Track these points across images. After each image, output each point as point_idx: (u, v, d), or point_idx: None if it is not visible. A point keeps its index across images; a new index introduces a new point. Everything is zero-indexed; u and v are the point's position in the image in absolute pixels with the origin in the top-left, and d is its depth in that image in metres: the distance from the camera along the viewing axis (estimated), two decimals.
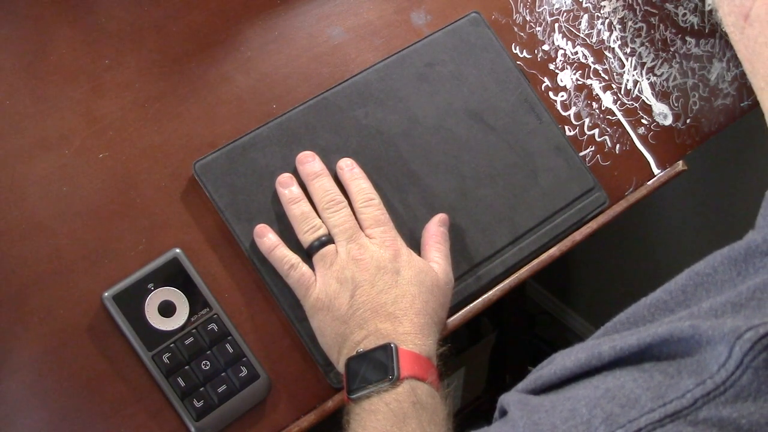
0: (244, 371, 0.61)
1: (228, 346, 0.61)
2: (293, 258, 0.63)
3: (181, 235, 0.64)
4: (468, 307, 0.68)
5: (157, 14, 0.69)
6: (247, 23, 0.72)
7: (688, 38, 0.85)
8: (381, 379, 0.56)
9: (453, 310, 0.67)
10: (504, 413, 0.43)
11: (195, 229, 0.64)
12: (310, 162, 0.65)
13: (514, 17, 0.79)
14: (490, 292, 0.69)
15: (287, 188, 0.64)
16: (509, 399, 0.43)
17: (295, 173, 0.66)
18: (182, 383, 0.59)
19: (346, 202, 0.64)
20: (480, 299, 0.69)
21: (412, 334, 0.59)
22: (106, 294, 0.59)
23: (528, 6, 0.80)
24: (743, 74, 0.87)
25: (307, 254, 0.63)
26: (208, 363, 0.60)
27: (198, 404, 0.59)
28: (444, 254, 0.65)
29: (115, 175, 0.64)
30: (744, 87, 0.86)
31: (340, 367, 0.60)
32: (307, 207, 0.64)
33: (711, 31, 0.85)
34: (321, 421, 0.63)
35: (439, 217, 0.67)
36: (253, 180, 0.65)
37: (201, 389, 0.59)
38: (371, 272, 0.61)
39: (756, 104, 0.87)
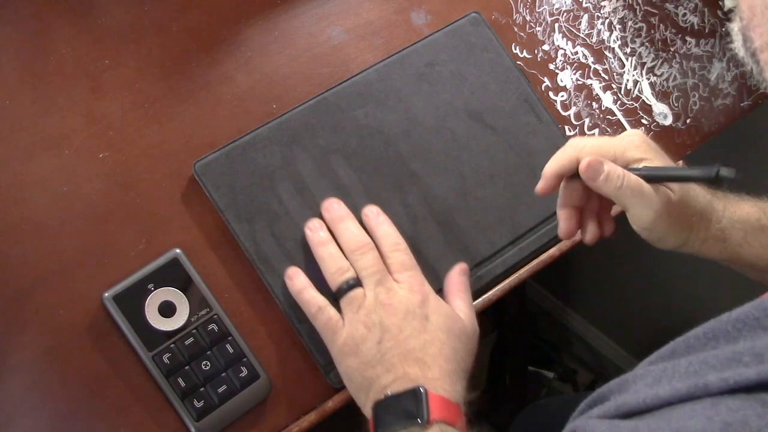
0: (245, 371, 0.61)
1: (228, 346, 0.61)
2: (321, 300, 0.62)
3: (181, 235, 0.64)
4: None
5: (157, 14, 0.69)
6: (247, 23, 0.72)
7: (688, 38, 0.85)
8: (410, 422, 0.54)
9: None
10: None
11: (195, 229, 0.64)
12: (335, 208, 0.65)
13: (514, 17, 0.79)
14: (490, 292, 0.69)
15: (316, 232, 0.64)
16: (589, 426, 0.39)
17: (300, 181, 0.66)
18: (182, 383, 0.59)
19: (374, 246, 0.63)
20: (480, 299, 0.69)
21: (441, 380, 0.58)
22: (107, 294, 0.59)
23: (528, 6, 0.79)
24: (743, 74, 0.87)
25: (335, 297, 0.62)
26: (209, 363, 0.60)
27: (198, 404, 0.59)
28: (467, 303, 0.65)
29: (115, 175, 0.64)
30: (744, 87, 0.86)
31: (367, 411, 0.59)
32: (335, 249, 0.63)
33: (711, 31, 0.85)
34: (321, 421, 0.63)
35: (459, 267, 0.67)
36: (253, 180, 0.65)
37: (201, 389, 0.59)
38: (399, 317, 0.60)
39: (756, 104, 0.87)
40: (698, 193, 0.62)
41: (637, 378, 0.40)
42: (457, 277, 0.66)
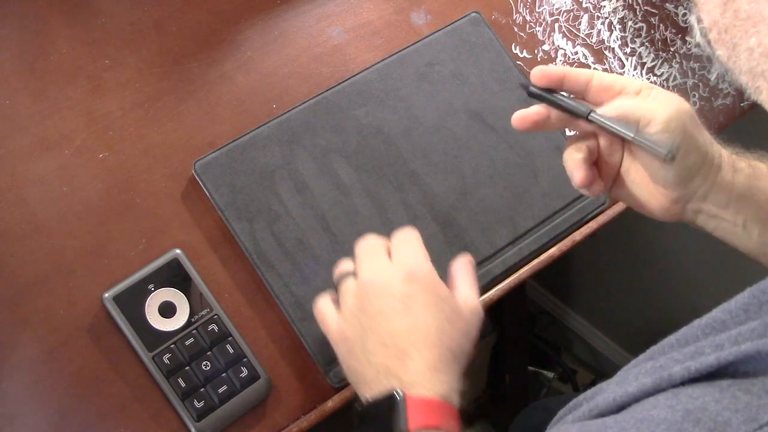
0: (245, 372, 0.61)
1: (228, 346, 0.61)
2: (320, 298, 0.61)
3: (181, 235, 0.64)
4: None
5: (157, 14, 0.69)
6: (247, 23, 0.72)
7: (688, 38, 0.85)
8: None
9: None
10: None
11: (195, 229, 0.64)
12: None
13: (514, 17, 0.79)
14: (490, 292, 0.69)
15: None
16: (562, 430, 0.39)
17: (300, 181, 0.66)
18: (183, 384, 0.59)
19: (384, 244, 0.60)
20: (480, 299, 0.69)
21: (423, 373, 0.53)
22: (107, 295, 0.59)
23: (528, 6, 0.79)
24: None
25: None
26: (209, 363, 0.60)
27: (198, 405, 0.59)
28: (467, 283, 0.61)
29: (115, 175, 0.64)
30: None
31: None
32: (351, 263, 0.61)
33: None
34: (321, 421, 0.63)
35: (465, 256, 0.63)
36: (253, 179, 0.65)
37: (201, 390, 0.59)
38: (380, 297, 0.56)
39: (756, 104, 0.87)
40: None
41: (611, 381, 0.41)
42: (460, 262, 0.63)
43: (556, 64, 0.79)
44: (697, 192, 0.57)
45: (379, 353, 0.55)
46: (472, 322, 0.59)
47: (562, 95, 0.57)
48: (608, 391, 0.39)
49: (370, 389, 0.54)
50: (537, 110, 0.58)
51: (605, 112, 0.55)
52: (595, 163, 0.59)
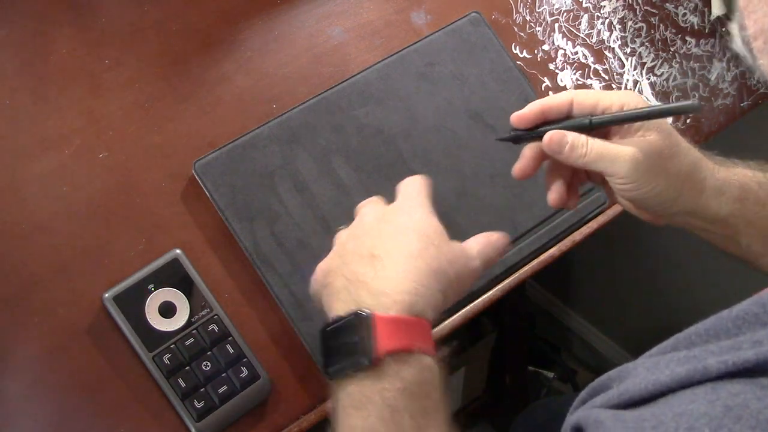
0: (245, 372, 0.61)
1: (228, 346, 0.61)
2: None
3: (181, 235, 0.64)
4: (468, 307, 0.68)
5: (157, 14, 0.69)
6: (247, 23, 0.72)
7: (688, 38, 0.85)
8: (354, 362, 0.46)
9: (453, 310, 0.67)
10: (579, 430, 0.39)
11: (195, 229, 0.64)
12: None
13: (514, 17, 0.79)
14: (490, 292, 0.69)
15: None
16: (593, 416, 0.38)
17: (300, 180, 0.66)
18: (183, 384, 0.59)
19: (384, 200, 0.58)
20: (480, 299, 0.69)
21: (393, 279, 0.49)
22: (107, 295, 0.59)
23: (528, 6, 0.79)
24: (743, 74, 0.87)
25: None
26: (209, 364, 0.60)
27: (199, 405, 0.59)
28: (481, 241, 0.56)
29: (115, 175, 0.64)
30: (744, 87, 0.86)
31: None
32: None
33: (711, 31, 0.85)
34: (321, 421, 0.63)
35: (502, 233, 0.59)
36: (253, 179, 0.65)
37: (201, 390, 0.59)
38: (372, 223, 0.54)
39: (756, 104, 0.87)
40: (684, 148, 0.58)
41: (638, 366, 0.40)
42: (491, 232, 0.58)
43: (556, 64, 0.79)
44: (677, 213, 0.58)
45: (353, 262, 0.51)
46: (463, 262, 0.53)
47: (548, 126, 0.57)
48: (639, 376, 0.39)
49: (337, 303, 0.50)
50: (528, 164, 0.58)
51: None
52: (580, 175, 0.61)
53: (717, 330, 0.38)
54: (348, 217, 0.66)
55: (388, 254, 0.50)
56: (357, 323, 0.47)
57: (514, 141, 0.58)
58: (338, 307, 0.49)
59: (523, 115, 0.57)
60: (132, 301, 0.60)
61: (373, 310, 0.47)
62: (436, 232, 0.53)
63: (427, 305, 0.49)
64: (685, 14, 0.85)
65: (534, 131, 0.57)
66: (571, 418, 0.40)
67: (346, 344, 0.47)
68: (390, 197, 0.68)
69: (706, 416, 0.33)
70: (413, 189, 0.56)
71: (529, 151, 0.58)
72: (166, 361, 0.59)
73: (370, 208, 0.56)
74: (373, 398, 0.46)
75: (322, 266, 0.54)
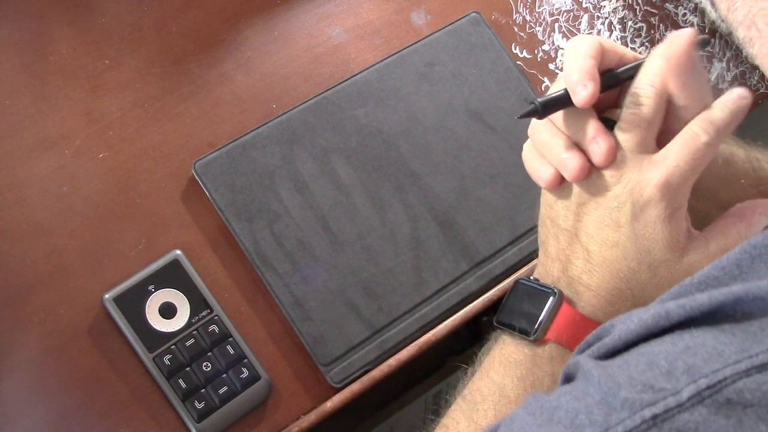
0: (245, 372, 0.61)
1: (229, 347, 0.61)
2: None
3: (181, 235, 0.64)
4: (468, 307, 0.68)
5: (157, 14, 0.69)
6: (247, 23, 0.72)
7: None
8: (523, 330, 0.49)
9: (453, 310, 0.67)
10: (569, 379, 0.41)
11: (195, 229, 0.64)
12: None
13: (514, 17, 0.79)
14: (490, 292, 0.69)
15: None
16: (578, 363, 0.40)
17: (300, 180, 0.66)
18: (183, 385, 0.59)
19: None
20: (480, 299, 0.69)
21: (587, 273, 0.48)
22: (107, 296, 0.59)
23: (528, 6, 0.79)
24: (743, 74, 0.87)
25: None
26: (209, 364, 0.60)
27: (199, 406, 0.59)
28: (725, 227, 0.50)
29: (115, 175, 0.64)
30: (744, 87, 0.86)
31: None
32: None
33: (711, 31, 0.85)
34: (321, 421, 0.63)
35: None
36: (253, 179, 0.65)
37: (202, 391, 0.59)
38: (598, 200, 0.48)
39: (756, 104, 0.87)
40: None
41: (616, 321, 0.41)
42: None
43: (556, 64, 0.79)
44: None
45: (562, 236, 0.50)
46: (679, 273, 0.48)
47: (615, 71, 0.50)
48: (615, 329, 0.40)
49: (549, 261, 0.51)
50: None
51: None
52: None
53: (681, 294, 0.40)
54: (348, 217, 0.67)
55: (601, 262, 0.49)
56: (544, 297, 0.49)
57: (538, 115, 0.50)
58: (549, 265, 0.51)
59: (593, 90, 0.47)
60: (132, 302, 0.60)
61: (572, 298, 0.49)
62: (657, 250, 0.48)
63: (604, 315, 0.49)
64: (685, 14, 0.85)
65: (611, 74, 0.50)
66: (571, 360, 0.42)
67: (525, 310, 0.50)
68: (390, 197, 0.68)
69: (665, 352, 0.36)
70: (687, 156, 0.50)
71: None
72: (167, 362, 0.59)
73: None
74: (525, 365, 0.49)
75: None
